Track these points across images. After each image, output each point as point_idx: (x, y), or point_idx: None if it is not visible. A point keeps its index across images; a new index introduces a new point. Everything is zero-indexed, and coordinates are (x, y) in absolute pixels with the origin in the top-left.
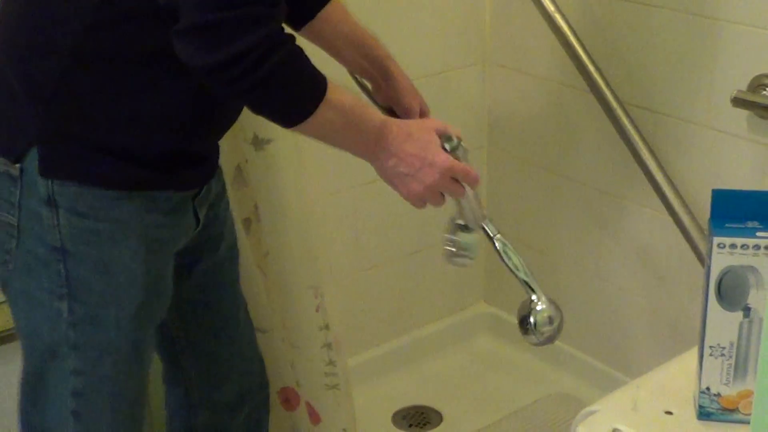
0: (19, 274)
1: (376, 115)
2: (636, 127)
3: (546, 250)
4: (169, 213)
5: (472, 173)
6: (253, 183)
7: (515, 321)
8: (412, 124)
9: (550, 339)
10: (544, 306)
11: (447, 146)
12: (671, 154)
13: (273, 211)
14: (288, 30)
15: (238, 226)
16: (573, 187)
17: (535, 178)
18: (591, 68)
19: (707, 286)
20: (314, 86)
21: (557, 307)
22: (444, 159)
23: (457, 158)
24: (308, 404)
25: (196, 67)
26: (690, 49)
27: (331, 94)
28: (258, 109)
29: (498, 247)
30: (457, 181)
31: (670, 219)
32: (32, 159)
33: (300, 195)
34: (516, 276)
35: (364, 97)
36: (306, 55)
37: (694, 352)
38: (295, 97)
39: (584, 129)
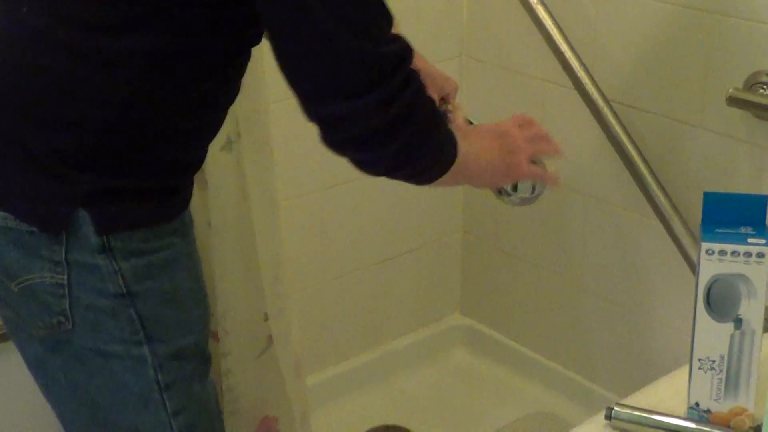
0: (80, 332)
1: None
2: (623, 127)
3: (523, 256)
4: (190, 225)
5: (554, 146)
6: (215, 185)
7: (493, 333)
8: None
9: (529, 201)
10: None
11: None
12: (662, 155)
13: (234, 215)
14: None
15: (202, 229)
16: (554, 190)
17: None
18: (575, 64)
19: (696, 295)
20: (451, 145)
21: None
22: (527, 144)
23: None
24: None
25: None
26: (682, 43)
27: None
28: (393, 174)
29: None
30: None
31: (660, 225)
32: (80, 220)
33: (266, 198)
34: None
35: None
36: (434, 106)
37: (686, 369)
38: (435, 160)
39: (568, 128)
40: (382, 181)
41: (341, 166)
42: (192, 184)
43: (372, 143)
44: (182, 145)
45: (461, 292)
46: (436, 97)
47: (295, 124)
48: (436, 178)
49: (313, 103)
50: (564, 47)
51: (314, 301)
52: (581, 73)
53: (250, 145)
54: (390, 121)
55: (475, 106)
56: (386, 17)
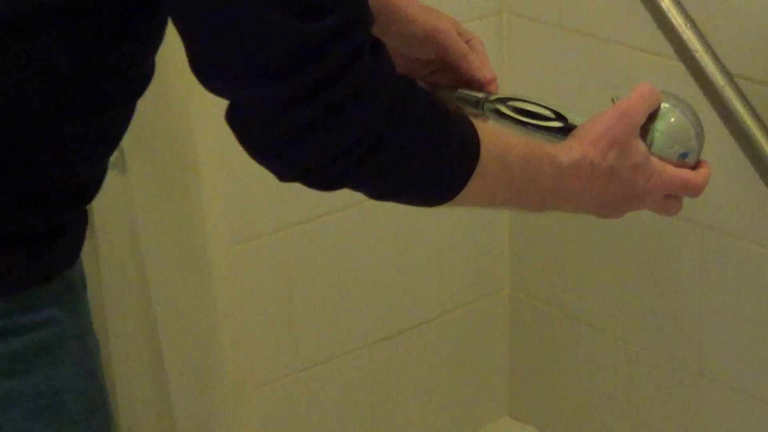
0: None
1: (554, 151)
2: (757, 117)
3: (605, 325)
4: (82, 290)
5: (694, 185)
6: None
7: None
8: (607, 145)
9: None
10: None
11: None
12: None
13: (131, 270)
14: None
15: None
16: (652, 216)
17: None
18: (679, 20)
19: None
20: (463, 149)
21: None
22: (658, 186)
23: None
24: None
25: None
26: None
27: (486, 147)
28: (388, 198)
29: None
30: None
31: None
32: None
33: (188, 245)
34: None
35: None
36: (437, 104)
37: None
38: (440, 173)
39: None
40: (386, 211)
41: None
42: (85, 221)
43: (280, 151)
44: (64, 159)
45: (510, 383)
46: (448, 40)
47: None
48: (438, 196)
49: (203, 75)
50: None
51: (282, 403)
52: (689, 35)
53: (157, 159)
54: (314, 120)
55: (519, 76)
56: None
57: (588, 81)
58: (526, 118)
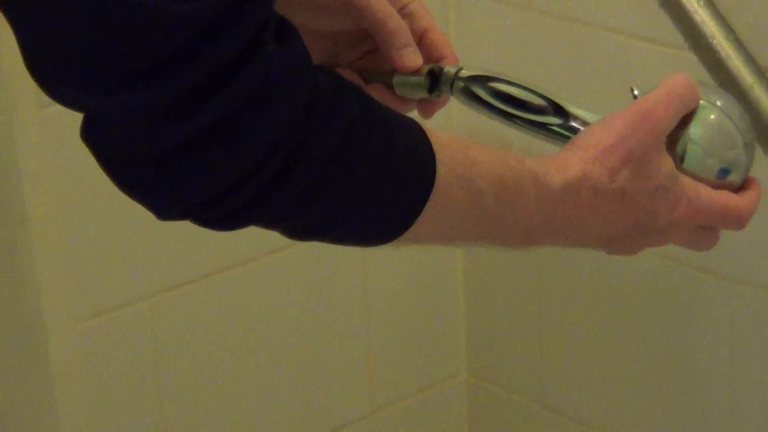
0: None
1: (542, 169)
2: None
3: (606, 422)
4: None
5: (736, 214)
6: None
7: None
8: (618, 161)
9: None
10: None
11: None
12: None
13: None
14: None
15: None
16: (660, 266)
17: None
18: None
19: None
20: (412, 167)
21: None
22: (687, 215)
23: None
24: None
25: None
26: None
27: (445, 165)
28: (310, 236)
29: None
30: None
31: None
32: None
33: (15, 325)
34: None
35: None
36: (373, 105)
37: None
38: (381, 201)
39: None
40: (291, 269)
41: (204, 238)
42: None
43: (157, 178)
44: None
45: None
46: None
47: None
48: (379, 232)
49: (44, 79)
50: None
51: None
52: (703, 16)
53: None
54: (202, 134)
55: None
56: None
57: (570, 78)
58: (511, 108)
